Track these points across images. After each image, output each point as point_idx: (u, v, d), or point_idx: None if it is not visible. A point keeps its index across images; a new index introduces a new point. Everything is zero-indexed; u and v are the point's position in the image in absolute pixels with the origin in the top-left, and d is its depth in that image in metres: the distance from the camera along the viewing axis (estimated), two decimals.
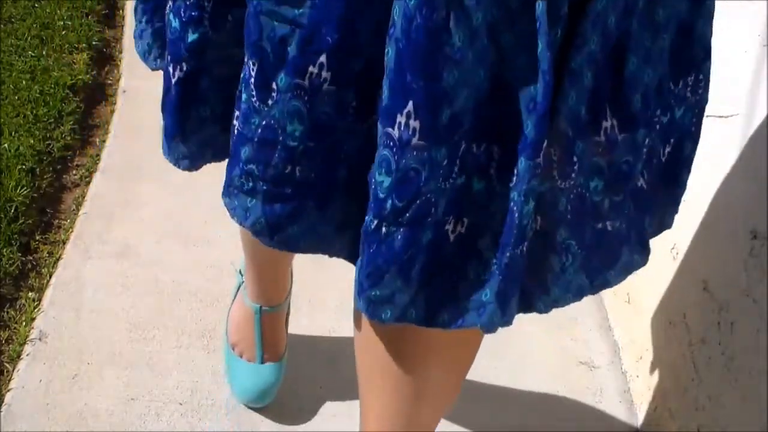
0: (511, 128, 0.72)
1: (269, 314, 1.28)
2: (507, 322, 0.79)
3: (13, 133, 1.67)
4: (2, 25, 1.94)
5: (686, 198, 1.34)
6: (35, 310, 1.40)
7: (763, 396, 1.09)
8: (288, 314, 1.34)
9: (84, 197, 1.62)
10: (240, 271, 1.33)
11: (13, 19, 1.97)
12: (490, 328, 0.78)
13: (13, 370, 1.31)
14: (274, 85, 0.75)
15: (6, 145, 1.63)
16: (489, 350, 1.48)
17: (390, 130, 0.70)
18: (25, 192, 1.56)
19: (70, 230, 1.55)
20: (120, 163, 1.70)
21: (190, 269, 1.51)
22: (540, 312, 0.84)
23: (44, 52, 1.89)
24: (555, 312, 1.62)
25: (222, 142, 0.87)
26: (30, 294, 1.43)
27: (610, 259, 0.83)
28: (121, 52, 2.03)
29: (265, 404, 1.30)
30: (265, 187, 0.78)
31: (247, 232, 1.00)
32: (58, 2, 2.05)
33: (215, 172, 1.76)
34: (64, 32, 1.97)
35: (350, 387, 1.37)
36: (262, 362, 1.29)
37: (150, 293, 1.46)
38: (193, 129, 0.87)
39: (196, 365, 1.36)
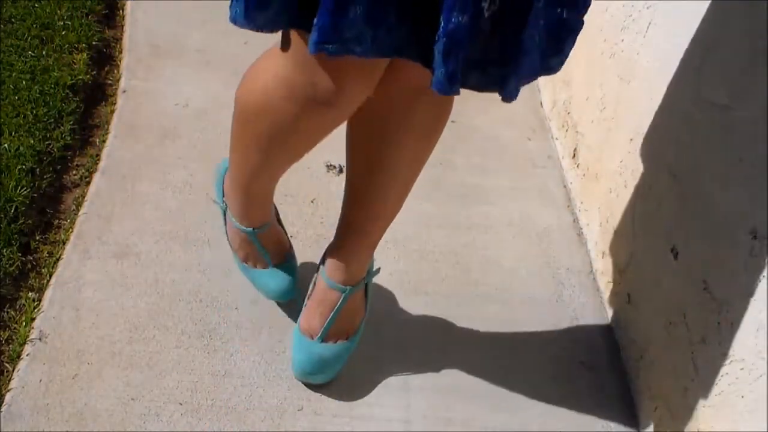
0: None
1: (261, 231, 1.39)
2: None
3: (13, 133, 1.67)
4: (2, 25, 1.94)
5: (686, 198, 1.34)
6: (35, 310, 1.40)
7: (763, 396, 1.09)
8: (279, 217, 1.47)
9: (84, 197, 1.62)
10: (218, 200, 1.46)
11: (13, 19, 1.96)
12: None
13: (13, 370, 1.31)
14: None
15: (6, 145, 1.63)
16: (489, 351, 1.48)
17: None
18: (25, 192, 1.56)
19: (70, 230, 1.55)
20: (120, 163, 1.70)
21: (190, 269, 1.51)
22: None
23: (44, 52, 1.89)
24: (555, 312, 1.63)
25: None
26: (30, 294, 1.43)
27: (559, 47, 1.02)
28: (121, 52, 2.03)
29: (293, 297, 1.43)
30: None
31: (246, 169, 1.24)
32: (58, 2, 2.05)
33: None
34: (64, 32, 1.97)
35: (351, 388, 1.37)
36: (274, 266, 1.42)
37: (150, 293, 1.46)
38: None
39: (196, 365, 1.36)
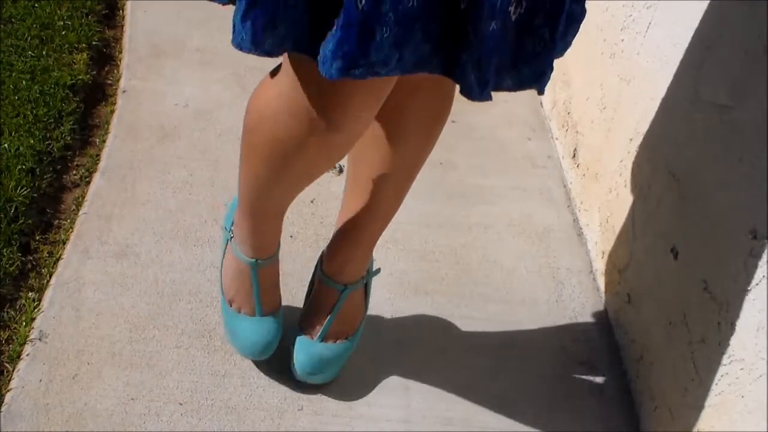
0: None
1: (265, 267, 1.30)
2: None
3: (13, 133, 1.67)
4: (2, 25, 1.94)
5: (686, 198, 1.34)
6: (35, 310, 1.40)
7: (763, 396, 1.09)
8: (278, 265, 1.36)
9: (84, 197, 1.62)
10: (226, 227, 1.35)
11: (13, 19, 1.97)
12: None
13: (13, 370, 1.31)
14: None
15: (6, 145, 1.63)
16: (489, 351, 1.48)
17: None
18: (25, 192, 1.56)
19: (70, 230, 1.55)
20: (120, 163, 1.70)
21: (190, 269, 1.51)
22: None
23: (44, 52, 1.89)
24: (555, 312, 1.64)
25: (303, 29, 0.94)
26: (30, 294, 1.43)
27: (571, 34, 1.03)
28: (121, 52, 2.03)
29: (269, 356, 1.33)
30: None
31: (254, 188, 1.18)
32: (58, 2, 2.05)
33: (215, 172, 1.76)
34: (64, 32, 1.97)
35: (350, 388, 1.37)
36: (262, 315, 1.31)
37: (150, 293, 1.46)
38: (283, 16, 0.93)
39: (196, 365, 1.36)
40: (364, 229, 1.30)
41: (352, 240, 1.31)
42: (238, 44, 0.95)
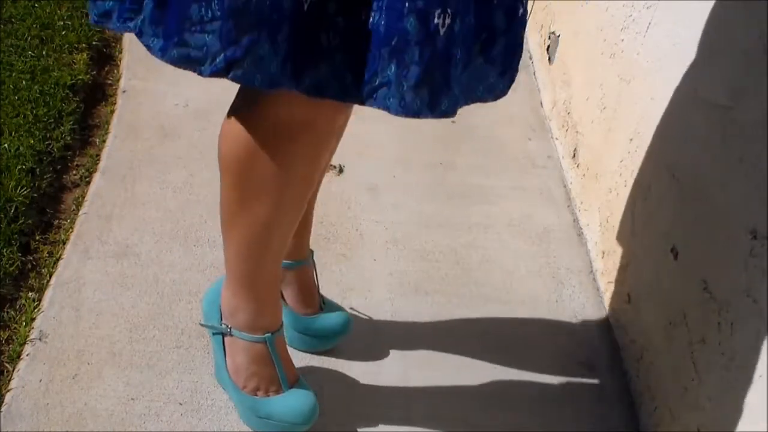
0: None
1: (278, 336, 1.26)
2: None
3: (13, 133, 1.67)
4: (2, 25, 1.94)
5: (686, 198, 1.34)
6: (35, 310, 1.40)
7: (763, 396, 1.09)
8: None
9: (84, 197, 1.62)
10: (212, 325, 1.28)
11: (13, 19, 1.97)
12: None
13: (13, 370, 1.31)
14: None
15: (6, 145, 1.63)
16: (489, 351, 1.48)
17: None
18: (25, 192, 1.56)
19: (70, 230, 1.55)
20: (120, 163, 1.70)
21: (190, 269, 1.51)
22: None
23: (44, 52, 1.89)
24: (555, 312, 1.63)
25: None
26: (30, 294, 1.43)
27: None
28: (121, 52, 2.03)
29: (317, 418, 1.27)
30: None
31: (252, 244, 1.16)
32: (58, 2, 2.05)
33: (215, 172, 1.76)
34: (64, 32, 1.97)
35: (351, 388, 1.37)
36: (290, 387, 1.27)
37: (150, 293, 1.46)
38: None
39: (196, 365, 1.36)
40: (308, 216, 1.35)
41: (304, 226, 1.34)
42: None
